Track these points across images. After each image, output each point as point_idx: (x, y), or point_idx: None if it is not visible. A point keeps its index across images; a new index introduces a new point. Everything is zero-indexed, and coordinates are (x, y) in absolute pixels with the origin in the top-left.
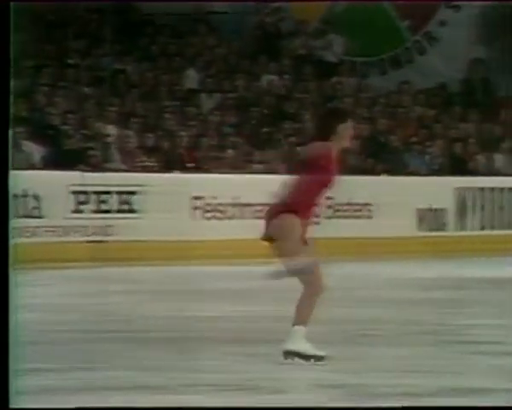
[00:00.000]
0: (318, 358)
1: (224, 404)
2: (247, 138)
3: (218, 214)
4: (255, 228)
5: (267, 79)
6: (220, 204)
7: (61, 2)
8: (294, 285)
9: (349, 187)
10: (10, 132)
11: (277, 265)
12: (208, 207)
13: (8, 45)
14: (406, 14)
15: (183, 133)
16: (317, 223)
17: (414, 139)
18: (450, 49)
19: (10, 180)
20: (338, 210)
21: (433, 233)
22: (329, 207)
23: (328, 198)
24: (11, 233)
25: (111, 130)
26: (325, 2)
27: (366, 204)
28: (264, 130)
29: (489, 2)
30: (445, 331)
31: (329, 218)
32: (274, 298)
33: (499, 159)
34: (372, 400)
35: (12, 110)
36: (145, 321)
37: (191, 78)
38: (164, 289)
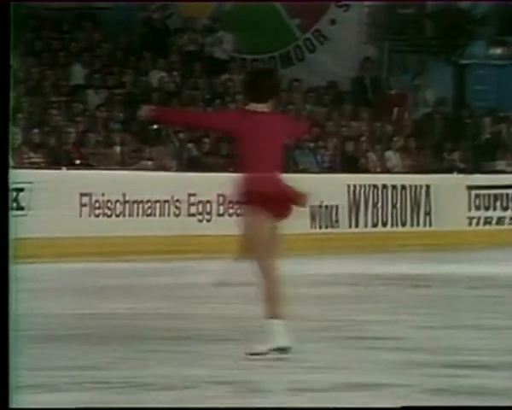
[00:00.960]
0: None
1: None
2: (135, 135)
3: (107, 211)
4: (143, 225)
5: (156, 75)
6: (108, 201)
7: (60, 2)
8: (184, 282)
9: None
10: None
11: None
12: (96, 203)
13: (8, 45)
14: (296, 12)
15: (69, 129)
16: (209, 221)
17: (305, 137)
18: (341, 48)
19: None
20: (230, 207)
21: (326, 230)
22: (221, 204)
23: (220, 195)
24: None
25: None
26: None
27: None
28: (153, 126)
29: (376, 3)
30: (338, 327)
31: (221, 215)
32: (162, 295)
33: (391, 156)
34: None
35: None
36: (32, 319)
37: (77, 73)
38: (51, 286)
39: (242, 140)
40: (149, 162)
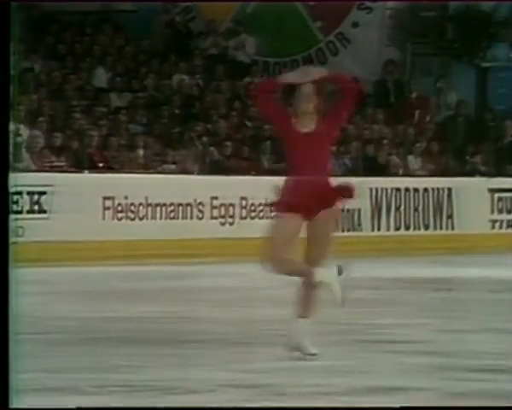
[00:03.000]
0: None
1: (136, 404)
2: (158, 138)
3: (130, 214)
4: (167, 229)
5: (178, 78)
6: (131, 204)
7: (60, 2)
8: (206, 286)
9: (265, 188)
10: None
11: None
12: (119, 207)
13: (8, 45)
14: (318, 15)
15: (92, 133)
16: (232, 224)
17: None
18: (363, 51)
19: None
20: (253, 210)
21: (348, 234)
22: (244, 207)
23: (243, 198)
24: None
25: (20, 129)
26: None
27: None
28: (176, 130)
29: (399, 3)
30: (360, 331)
31: (244, 218)
32: (185, 299)
33: (413, 160)
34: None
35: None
36: (58, 322)
37: (100, 77)
38: (76, 290)
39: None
40: (172, 166)
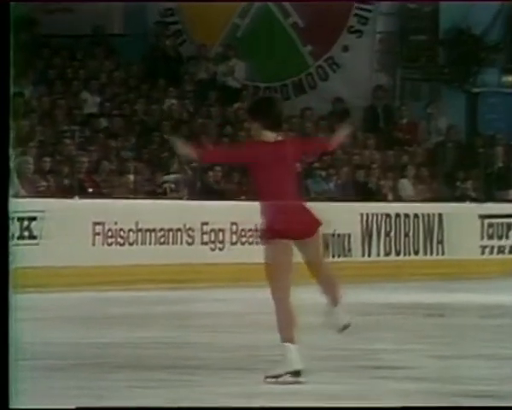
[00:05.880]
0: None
1: None
2: (148, 163)
3: (120, 240)
4: (157, 254)
5: (168, 103)
6: (121, 230)
7: (61, 2)
8: (197, 311)
9: (253, 213)
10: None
11: None
12: (109, 232)
13: (8, 45)
14: (309, 39)
15: (82, 158)
16: (222, 249)
17: (317, 165)
18: (353, 76)
19: None
20: (243, 236)
21: (338, 259)
22: (234, 232)
23: (233, 224)
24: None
25: (10, 154)
26: (227, 25)
27: None
28: (165, 154)
29: (389, 27)
30: (351, 356)
31: (235, 244)
32: (174, 324)
33: (404, 185)
34: None
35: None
36: (46, 348)
37: (90, 102)
38: (65, 315)
39: (260, 169)
40: (162, 191)
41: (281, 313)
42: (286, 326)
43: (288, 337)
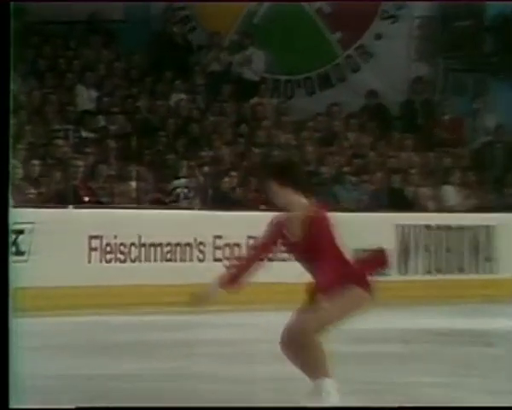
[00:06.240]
0: None
1: None
2: (152, 167)
3: (120, 256)
4: (163, 272)
5: (175, 98)
6: (122, 244)
7: (62, 1)
8: (207, 338)
9: None
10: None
11: None
12: (108, 247)
13: (9, 45)
14: (337, 26)
15: (77, 162)
16: None
17: (346, 169)
18: (387, 66)
19: None
20: None
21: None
22: None
23: (250, 237)
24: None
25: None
26: (243, 11)
27: None
28: (172, 157)
29: (429, 11)
30: (387, 391)
31: None
32: (182, 353)
33: (446, 193)
34: None
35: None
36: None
37: (85, 97)
38: (57, 343)
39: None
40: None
41: (313, 349)
42: (319, 361)
43: (323, 372)
